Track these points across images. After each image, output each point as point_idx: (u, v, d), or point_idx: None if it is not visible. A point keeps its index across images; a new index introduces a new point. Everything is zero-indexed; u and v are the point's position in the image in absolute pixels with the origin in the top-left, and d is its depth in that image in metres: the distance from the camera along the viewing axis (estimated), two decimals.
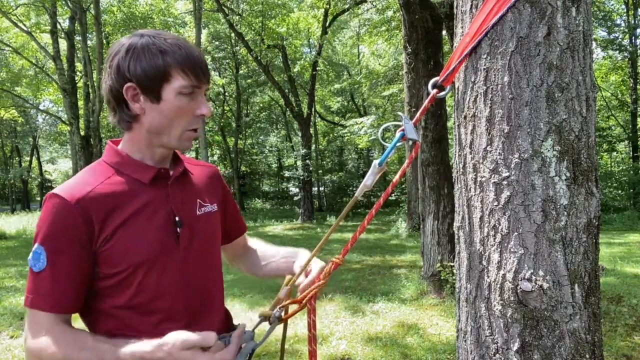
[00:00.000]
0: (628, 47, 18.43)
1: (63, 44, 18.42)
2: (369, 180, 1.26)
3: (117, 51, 1.04)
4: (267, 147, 29.49)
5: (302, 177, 19.41)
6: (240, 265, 1.45)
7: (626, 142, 21.24)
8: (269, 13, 17.64)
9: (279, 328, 1.28)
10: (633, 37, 18.44)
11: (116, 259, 1.02)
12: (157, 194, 1.08)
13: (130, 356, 0.94)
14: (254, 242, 1.48)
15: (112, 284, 1.03)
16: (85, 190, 1.02)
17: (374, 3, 15.43)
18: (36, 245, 1.00)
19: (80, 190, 1.01)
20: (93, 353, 0.97)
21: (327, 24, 16.49)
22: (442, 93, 1.21)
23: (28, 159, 34.08)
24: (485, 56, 1.08)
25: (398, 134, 1.25)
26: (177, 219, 1.09)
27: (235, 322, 1.24)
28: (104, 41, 17.50)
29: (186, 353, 0.90)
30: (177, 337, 0.91)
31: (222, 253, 1.38)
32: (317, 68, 19.83)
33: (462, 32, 1.15)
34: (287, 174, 25.10)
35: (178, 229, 1.08)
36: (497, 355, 1.07)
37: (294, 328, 4.31)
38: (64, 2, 16.58)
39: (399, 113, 1.34)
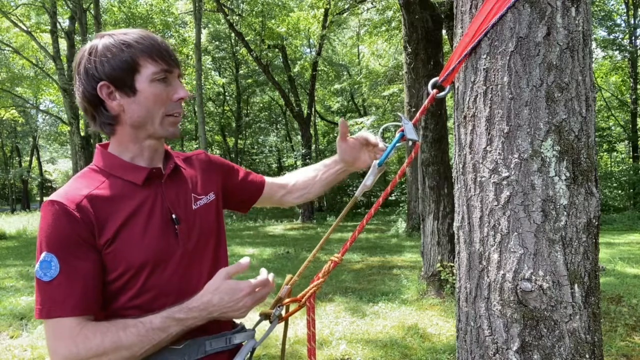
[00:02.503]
0: (628, 47, 18.44)
1: (63, 44, 18.41)
2: (368, 180, 1.27)
3: (81, 57, 1.06)
4: (267, 147, 29.46)
5: None
6: (294, 197, 1.49)
7: (626, 142, 21.25)
8: (269, 13, 17.63)
9: (279, 327, 1.28)
10: (633, 37, 18.45)
11: (118, 262, 1.01)
12: (151, 194, 1.09)
13: (185, 310, 1.01)
14: (290, 177, 1.51)
15: (116, 287, 1.03)
16: (82, 195, 1.01)
17: (374, 3, 15.42)
18: (44, 254, 0.96)
19: (77, 195, 1.01)
20: (139, 325, 0.98)
21: (327, 22, 16.49)
22: (442, 93, 1.21)
23: (28, 159, 34.10)
24: (485, 56, 1.08)
25: (398, 135, 1.25)
26: (173, 216, 1.09)
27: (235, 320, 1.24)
28: None
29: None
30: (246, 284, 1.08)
31: (273, 203, 1.47)
32: (317, 68, 19.83)
33: (462, 32, 1.15)
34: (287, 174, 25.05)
35: (176, 227, 1.09)
36: (497, 355, 1.07)
37: (294, 329, 4.31)
38: (64, 2, 16.58)
39: (399, 113, 1.34)
